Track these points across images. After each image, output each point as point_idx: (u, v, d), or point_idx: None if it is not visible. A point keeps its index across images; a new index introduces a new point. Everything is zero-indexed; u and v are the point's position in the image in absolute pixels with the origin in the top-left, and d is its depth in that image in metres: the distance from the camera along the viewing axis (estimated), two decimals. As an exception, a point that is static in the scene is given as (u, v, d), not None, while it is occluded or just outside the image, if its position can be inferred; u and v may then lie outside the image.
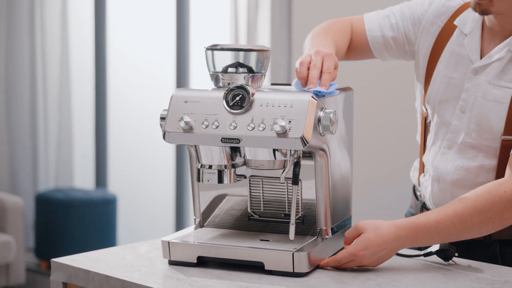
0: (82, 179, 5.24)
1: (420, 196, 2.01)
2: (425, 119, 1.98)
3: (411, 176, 2.08)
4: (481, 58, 1.86)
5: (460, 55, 1.89)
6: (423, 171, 1.99)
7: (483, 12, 1.79)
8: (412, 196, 2.08)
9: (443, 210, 1.70)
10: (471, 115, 1.84)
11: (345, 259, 1.67)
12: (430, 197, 1.95)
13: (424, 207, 1.99)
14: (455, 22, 1.91)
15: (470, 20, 1.89)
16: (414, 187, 2.07)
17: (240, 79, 1.66)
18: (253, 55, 1.66)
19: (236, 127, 1.60)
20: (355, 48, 2.06)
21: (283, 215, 1.78)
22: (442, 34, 1.93)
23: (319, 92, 1.62)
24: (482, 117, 1.82)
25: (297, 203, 1.73)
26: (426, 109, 1.96)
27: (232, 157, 1.68)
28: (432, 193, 1.94)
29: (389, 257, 1.69)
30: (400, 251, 1.80)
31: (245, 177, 1.74)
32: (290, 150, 1.65)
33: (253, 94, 1.62)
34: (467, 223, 1.68)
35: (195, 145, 1.68)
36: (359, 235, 1.68)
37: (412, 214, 2.06)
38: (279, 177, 1.70)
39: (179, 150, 4.62)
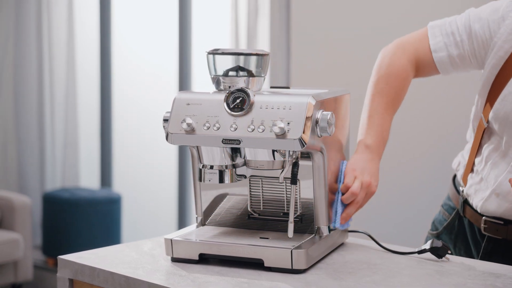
0: (88, 179, 5.24)
1: (463, 192, 1.98)
2: (482, 125, 1.89)
3: (455, 169, 2.03)
4: None
5: None
6: (472, 171, 1.95)
7: None
8: (452, 188, 2.04)
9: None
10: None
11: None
12: (482, 203, 1.90)
13: (466, 203, 1.97)
14: None
15: None
16: (454, 178, 2.03)
17: (241, 82, 1.66)
18: (253, 59, 1.66)
19: (236, 128, 1.60)
20: (422, 69, 1.95)
21: (282, 214, 1.78)
22: None
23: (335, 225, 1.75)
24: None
25: (296, 202, 1.73)
26: (488, 121, 1.86)
27: (232, 158, 1.68)
28: (486, 202, 1.89)
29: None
30: (395, 249, 1.81)
31: (245, 177, 1.74)
32: (289, 151, 1.64)
33: (253, 97, 1.62)
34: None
35: (197, 146, 1.68)
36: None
37: (450, 207, 2.04)
38: (278, 177, 1.70)
39: (182, 151, 4.62)
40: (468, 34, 1.84)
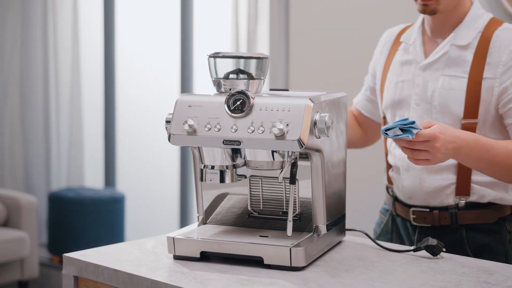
0: (92, 179, 5.24)
1: (392, 191, 2.10)
2: (384, 123, 2.12)
3: (384, 179, 2.16)
4: (425, 58, 2.00)
5: (407, 61, 2.04)
6: (391, 168, 2.09)
7: (431, 12, 1.94)
8: (385, 194, 2.16)
9: (496, 141, 1.82)
10: (431, 106, 1.96)
11: (423, 137, 1.67)
12: (401, 187, 2.03)
13: (396, 200, 2.08)
14: (400, 40, 2.09)
15: (414, 33, 2.06)
16: (386, 186, 2.15)
17: (241, 84, 1.66)
18: (253, 62, 1.67)
19: (237, 130, 1.60)
20: (365, 129, 2.26)
21: (281, 213, 1.78)
22: (391, 52, 2.11)
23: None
24: (443, 106, 1.94)
25: (294, 202, 1.73)
26: (384, 114, 2.10)
27: (233, 158, 1.68)
28: (402, 182, 2.02)
29: (451, 156, 1.73)
30: (391, 247, 1.81)
31: (245, 177, 1.74)
32: (288, 152, 1.65)
33: (253, 99, 1.62)
34: (504, 163, 1.80)
35: (199, 147, 1.68)
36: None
37: (386, 210, 2.16)
38: (278, 177, 1.70)
39: (183, 151, 4.62)
40: (368, 74, 2.23)
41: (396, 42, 2.11)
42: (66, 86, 5.09)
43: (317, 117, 1.60)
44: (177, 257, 1.71)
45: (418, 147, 1.68)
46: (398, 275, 1.60)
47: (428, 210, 1.99)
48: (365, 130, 2.26)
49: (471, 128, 1.91)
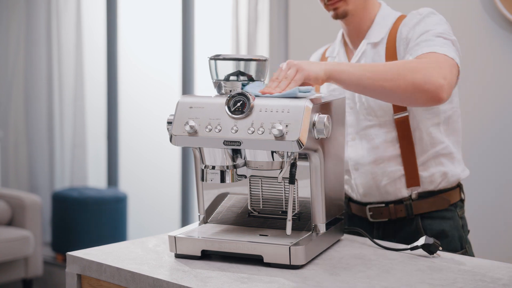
0: (95, 179, 5.24)
1: (345, 194, 2.12)
2: None
3: None
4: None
5: None
6: None
7: (342, 14, 2.00)
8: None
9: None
10: (361, 104, 2.01)
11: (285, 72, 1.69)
12: (356, 186, 2.06)
13: (350, 201, 2.12)
14: (326, 55, 2.16)
15: (336, 47, 2.13)
16: None
17: (241, 86, 1.66)
18: (253, 64, 1.67)
19: (237, 130, 1.60)
20: None
21: (280, 212, 1.78)
22: None
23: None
24: (371, 101, 1.98)
25: (294, 201, 1.73)
26: None
27: (233, 159, 1.68)
28: (356, 181, 2.06)
29: (322, 67, 1.71)
30: (389, 245, 1.81)
31: (245, 177, 1.74)
32: (287, 152, 1.65)
33: (253, 101, 1.62)
34: (378, 69, 1.74)
35: (200, 148, 1.68)
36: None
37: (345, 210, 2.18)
38: (277, 177, 1.70)
39: (185, 152, 4.63)
40: None
41: (323, 59, 2.18)
42: (70, 88, 5.09)
43: (316, 118, 1.60)
44: (178, 256, 1.70)
45: (285, 72, 1.69)
46: (395, 273, 1.60)
47: (384, 205, 2.05)
48: None
49: (405, 121, 1.96)
